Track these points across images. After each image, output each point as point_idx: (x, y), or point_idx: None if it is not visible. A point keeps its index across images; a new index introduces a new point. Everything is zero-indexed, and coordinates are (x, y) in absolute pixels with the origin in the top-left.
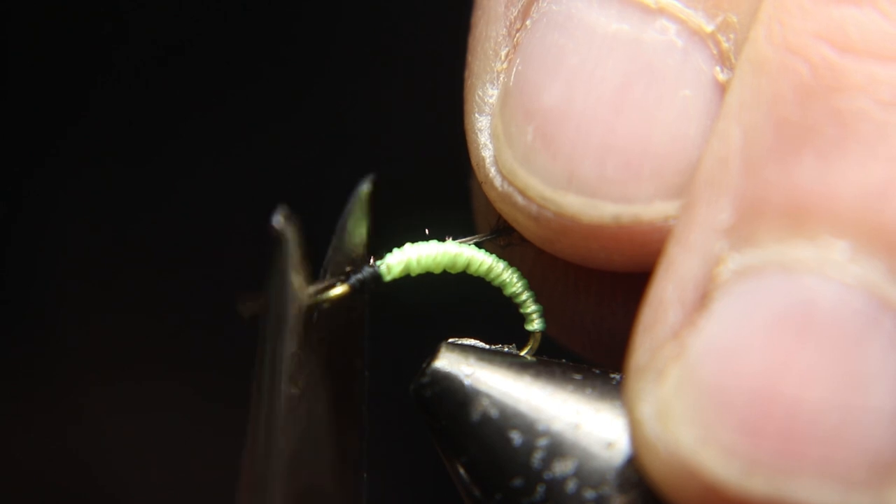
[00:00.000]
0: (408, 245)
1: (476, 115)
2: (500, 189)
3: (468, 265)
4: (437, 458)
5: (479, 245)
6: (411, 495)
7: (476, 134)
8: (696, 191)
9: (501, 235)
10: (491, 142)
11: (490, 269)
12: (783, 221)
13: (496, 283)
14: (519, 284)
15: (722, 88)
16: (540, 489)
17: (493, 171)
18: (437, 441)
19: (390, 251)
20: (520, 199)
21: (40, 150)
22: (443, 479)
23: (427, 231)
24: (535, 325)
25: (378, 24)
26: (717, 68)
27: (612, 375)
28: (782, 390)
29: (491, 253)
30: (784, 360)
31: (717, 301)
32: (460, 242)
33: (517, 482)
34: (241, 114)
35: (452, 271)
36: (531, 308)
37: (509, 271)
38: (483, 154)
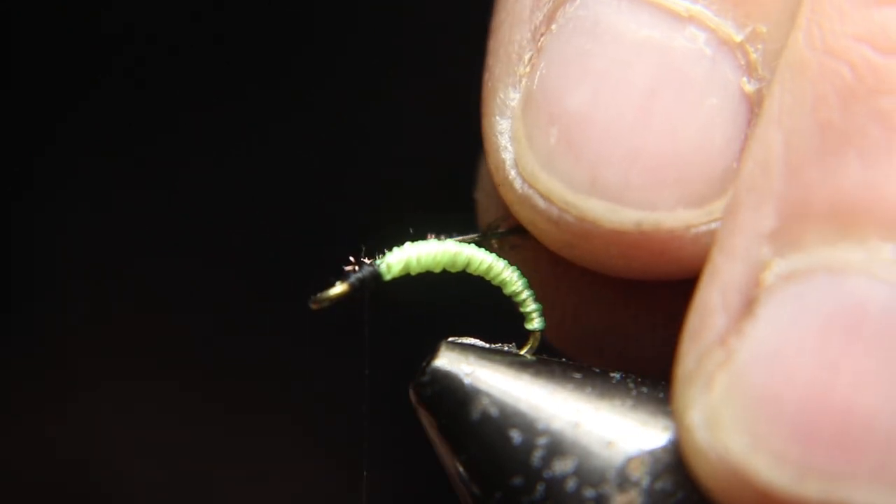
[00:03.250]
0: (408, 244)
1: (497, 117)
2: (519, 191)
3: (468, 264)
4: (437, 456)
5: (479, 244)
6: (410, 494)
7: (496, 136)
8: (739, 197)
9: (501, 234)
10: (511, 144)
11: (490, 268)
12: (829, 225)
13: (496, 282)
14: (519, 283)
15: (748, 99)
16: (540, 488)
17: (512, 174)
18: (436, 440)
19: (390, 250)
20: (540, 203)
21: (40, 150)
22: (442, 478)
23: (427, 230)
24: (535, 323)
25: (382, 26)
26: (744, 79)
27: (612, 374)
28: (834, 395)
29: (491, 252)
30: (835, 364)
31: (764, 306)
32: (459, 241)
33: (517, 481)
34: (245, 113)
35: (452, 270)
36: (531, 307)
37: (509, 270)
38: (503, 156)
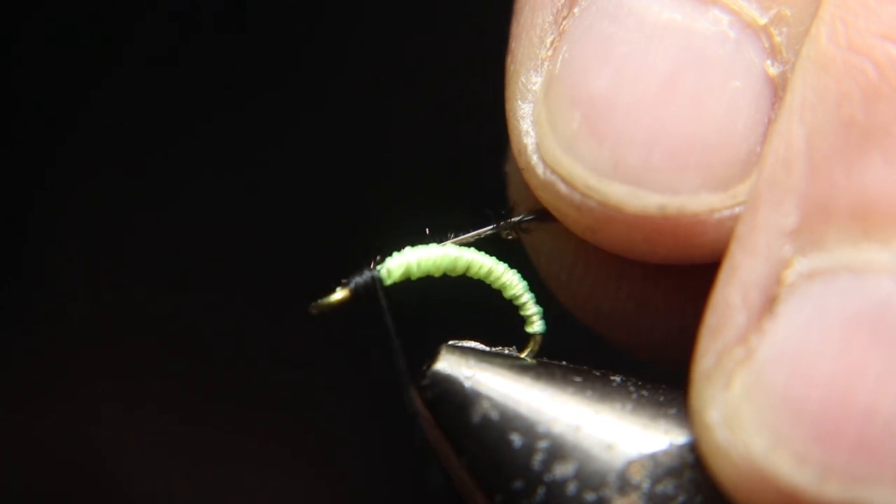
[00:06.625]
0: (408, 249)
1: (519, 101)
2: (542, 177)
3: (468, 268)
4: (438, 459)
5: (483, 241)
6: (410, 497)
7: (518, 121)
8: (760, 193)
9: (515, 223)
10: (534, 129)
11: (490, 272)
12: (852, 224)
13: (496, 285)
14: (519, 287)
15: (772, 82)
16: (540, 491)
17: (535, 159)
18: (437, 443)
19: (390, 255)
20: (563, 187)
21: (45, 152)
22: (443, 481)
23: (427, 231)
24: (536, 327)
25: (380, 29)
26: (768, 62)
27: (613, 378)
28: (856, 395)
29: (509, 238)
30: (857, 364)
31: (785, 305)
32: (473, 235)
33: (518, 484)
34: (243, 118)
35: (453, 274)
36: (531, 310)
37: (509, 273)
38: (525, 141)
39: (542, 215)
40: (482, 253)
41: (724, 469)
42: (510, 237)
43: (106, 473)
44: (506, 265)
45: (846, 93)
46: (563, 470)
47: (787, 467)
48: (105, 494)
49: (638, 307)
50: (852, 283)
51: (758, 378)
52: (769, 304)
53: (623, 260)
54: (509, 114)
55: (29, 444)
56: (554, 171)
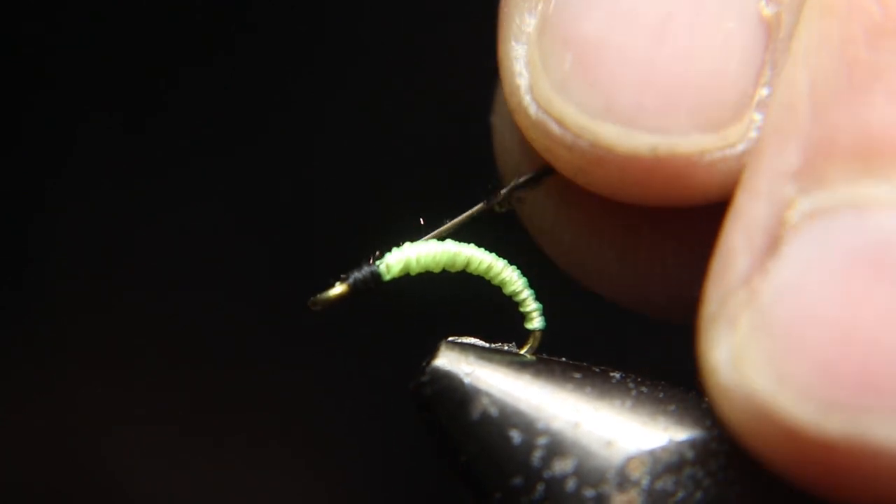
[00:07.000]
0: (407, 244)
1: (512, 42)
2: (534, 117)
3: (468, 264)
4: (437, 456)
5: (481, 238)
6: (411, 494)
7: (511, 62)
8: (763, 139)
9: (504, 196)
10: (526, 70)
11: (490, 268)
12: (854, 162)
13: (496, 281)
14: (518, 283)
15: (766, 23)
16: (539, 488)
17: (527, 99)
18: (436, 440)
19: (389, 250)
20: (555, 128)
21: (47, 153)
22: (443, 478)
23: (421, 221)
24: (535, 323)
25: (379, 29)
26: (763, 2)
27: (612, 374)
28: (858, 329)
29: (501, 208)
30: (860, 299)
31: (788, 244)
32: (465, 216)
33: (517, 481)
34: (244, 111)
35: (452, 270)
36: (531, 306)
37: (509, 269)
38: (518, 81)
39: (531, 181)
40: (482, 249)
41: (730, 409)
42: (502, 209)
43: (106, 473)
44: (505, 261)
45: (850, 34)
46: (562, 466)
47: (791, 403)
48: (105, 494)
49: (620, 256)
50: (854, 219)
51: (762, 317)
52: (773, 245)
53: (606, 209)
54: (502, 55)
55: (29, 444)
56: (546, 112)
